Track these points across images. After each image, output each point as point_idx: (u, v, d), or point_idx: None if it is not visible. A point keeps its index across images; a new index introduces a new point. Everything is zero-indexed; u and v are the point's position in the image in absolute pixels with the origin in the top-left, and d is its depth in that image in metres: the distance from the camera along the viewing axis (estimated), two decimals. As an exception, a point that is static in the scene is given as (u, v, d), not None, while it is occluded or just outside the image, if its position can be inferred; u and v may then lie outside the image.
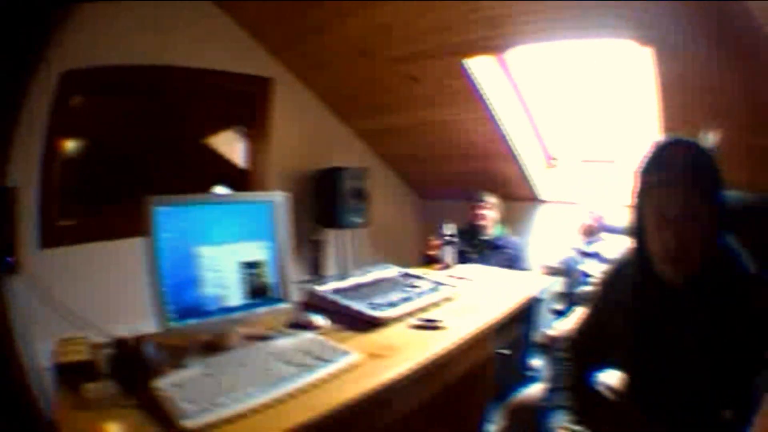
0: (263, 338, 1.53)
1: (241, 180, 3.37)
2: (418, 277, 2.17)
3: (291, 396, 1.19)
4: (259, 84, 3.32)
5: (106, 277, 2.72)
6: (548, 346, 2.51)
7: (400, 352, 1.45)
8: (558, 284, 2.97)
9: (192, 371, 1.27)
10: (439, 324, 1.68)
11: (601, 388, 1.49)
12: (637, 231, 1.27)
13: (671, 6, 2.04)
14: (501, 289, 2.30)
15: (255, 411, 1.12)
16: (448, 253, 2.74)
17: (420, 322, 1.70)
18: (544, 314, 3.14)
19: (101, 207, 2.88)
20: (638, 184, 1.23)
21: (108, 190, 2.91)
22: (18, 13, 1.95)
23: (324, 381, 1.27)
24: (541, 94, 3.40)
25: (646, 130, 2.87)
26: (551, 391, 1.48)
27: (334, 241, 3.59)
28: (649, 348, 1.29)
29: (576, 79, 3.28)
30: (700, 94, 2.35)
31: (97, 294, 2.62)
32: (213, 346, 1.49)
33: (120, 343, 1.38)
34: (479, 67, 3.02)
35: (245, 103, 3.31)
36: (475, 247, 3.25)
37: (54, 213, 2.65)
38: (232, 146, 3.31)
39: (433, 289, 2.01)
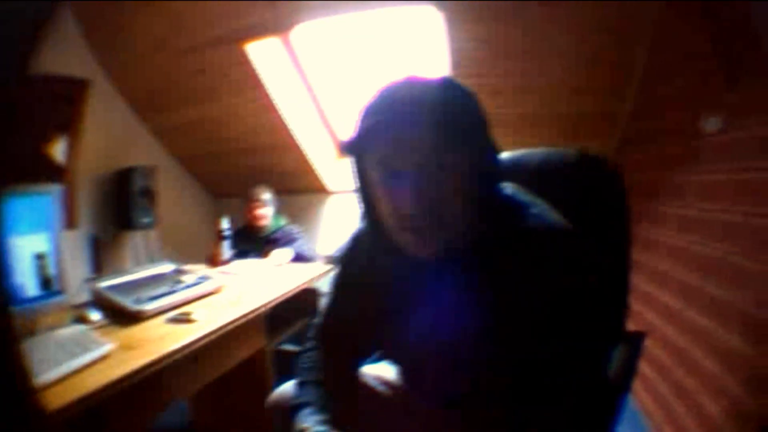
0: (50, 329, 1.55)
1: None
2: (186, 273, 2.16)
3: (59, 380, 1.23)
4: (75, 85, 2.97)
5: None
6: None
7: (150, 345, 1.48)
8: None
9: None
10: (191, 318, 1.69)
11: (370, 382, 1.24)
12: (364, 196, 0.95)
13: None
14: (271, 282, 2.28)
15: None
16: (224, 249, 2.73)
17: (175, 316, 1.71)
18: None
19: None
20: (358, 133, 0.87)
21: None
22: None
23: (81, 369, 1.30)
24: (329, 81, 3.32)
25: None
26: (300, 386, 1.15)
27: (130, 241, 3.38)
28: (415, 335, 1.00)
29: (366, 61, 3.23)
30: (493, 60, 2.43)
31: None
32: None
33: None
34: (263, 52, 2.89)
35: (64, 105, 2.95)
36: (253, 243, 3.08)
37: None
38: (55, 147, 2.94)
39: (197, 284, 2.01)
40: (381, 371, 1.26)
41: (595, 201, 1.09)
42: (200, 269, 2.39)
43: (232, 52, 2.80)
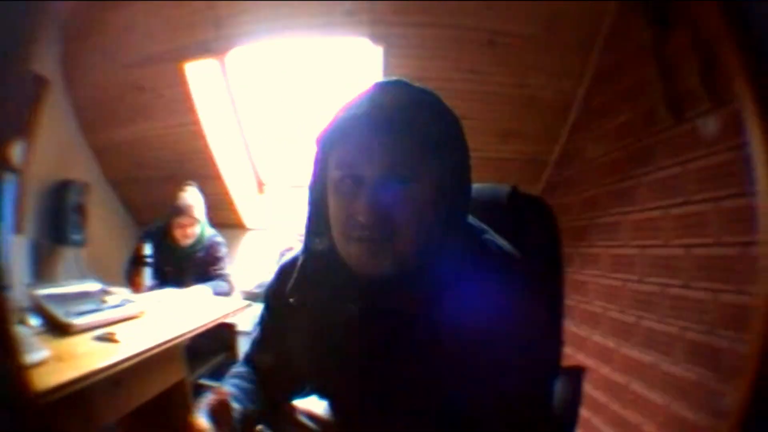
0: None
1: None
2: (112, 294, 2.09)
3: None
4: (36, 83, 2.71)
5: None
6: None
7: (78, 360, 1.43)
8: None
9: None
10: (114, 338, 1.64)
11: (301, 417, 1.11)
12: (317, 198, 0.86)
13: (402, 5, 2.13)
14: (191, 313, 2.17)
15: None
16: (145, 275, 2.51)
17: (101, 334, 1.67)
18: (246, 342, 2.90)
19: None
20: (328, 126, 0.80)
21: None
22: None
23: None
24: (257, 112, 3.24)
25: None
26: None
27: (62, 256, 3.11)
28: (348, 374, 0.89)
29: (297, 92, 3.19)
30: None
31: None
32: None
33: None
34: (199, 74, 2.79)
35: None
36: (173, 257, 2.78)
37: None
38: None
39: (121, 305, 1.96)
40: (310, 406, 1.11)
41: (528, 233, 1.07)
42: (123, 292, 2.27)
43: (169, 72, 2.68)
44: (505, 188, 1.11)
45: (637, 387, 1.90)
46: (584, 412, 2.22)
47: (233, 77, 2.99)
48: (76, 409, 1.35)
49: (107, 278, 2.62)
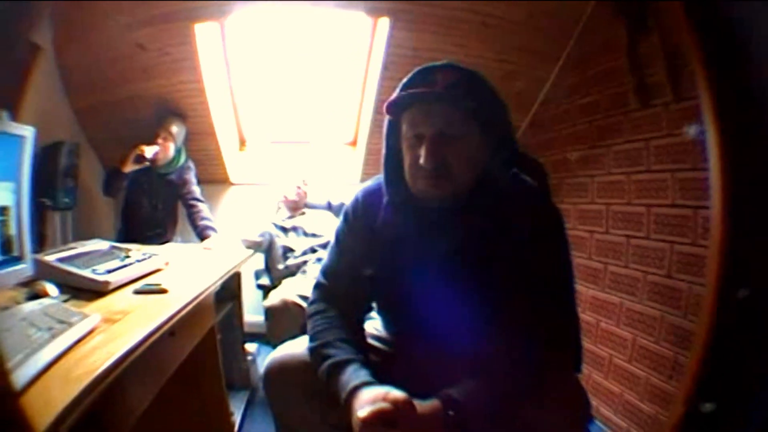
0: (5, 307, 1.19)
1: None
2: (128, 249, 1.95)
3: (51, 365, 0.90)
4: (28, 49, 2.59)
5: None
6: (273, 313, 2.40)
7: (133, 316, 1.27)
8: (260, 260, 2.87)
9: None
10: (162, 287, 1.55)
11: (369, 339, 1.28)
12: (390, 153, 1.15)
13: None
14: (207, 262, 2.20)
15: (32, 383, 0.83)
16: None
17: (144, 287, 1.55)
18: (245, 295, 3.02)
19: None
20: (395, 103, 1.07)
21: None
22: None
23: (74, 346, 1.00)
24: (246, 72, 3.23)
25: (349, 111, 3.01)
26: (328, 346, 1.11)
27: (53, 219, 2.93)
28: (410, 279, 1.13)
29: (290, 54, 3.22)
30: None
31: None
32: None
33: None
34: (205, 34, 2.75)
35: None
36: (147, 176, 2.88)
37: None
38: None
39: (146, 258, 1.86)
40: (371, 328, 1.33)
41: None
42: (136, 247, 2.17)
43: (177, 30, 2.62)
44: None
45: (605, 324, 2.19)
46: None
47: (230, 40, 2.98)
48: (142, 368, 1.14)
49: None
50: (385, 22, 2.57)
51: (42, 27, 2.62)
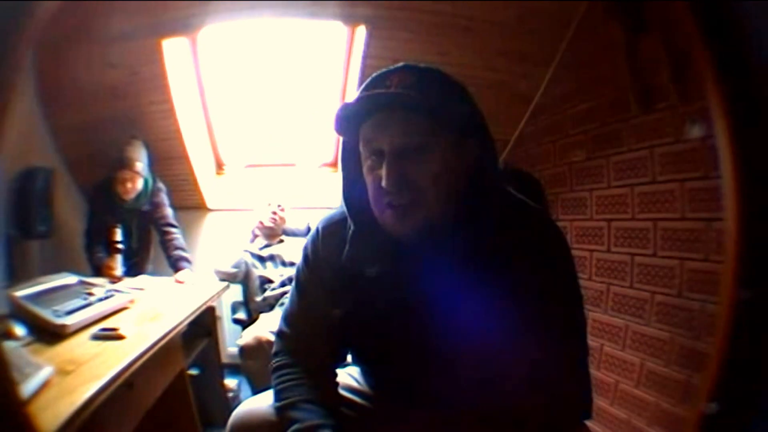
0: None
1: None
2: (94, 285, 1.92)
3: None
4: None
5: None
6: (246, 353, 2.25)
7: (86, 368, 1.21)
8: (236, 292, 2.72)
9: None
10: (119, 333, 1.46)
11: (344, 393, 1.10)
12: (351, 175, 0.96)
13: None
14: (178, 299, 2.11)
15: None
16: (118, 262, 2.44)
17: (100, 332, 1.48)
18: (226, 326, 2.87)
19: None
20: (344, 117, 0.89)
21: None
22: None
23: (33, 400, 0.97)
24: (221, 91, 3.13)
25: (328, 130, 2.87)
26: (294, 408, 0.95)
27: (29, 249, 2.81)
28: (388, 325, 0.94)
29: (263, 71, 3.11)
30: None
31: None
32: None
33: None
34: (173, 52, 2.66)
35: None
36: (117, 213, 2.69)
37: None
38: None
39: (109, 296, 1.81)
40: (346, 377, 1.14)
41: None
42: (102, 282, 2.12)
43: (145, 48, 2.53)
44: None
45: (609, 349, 2.04)
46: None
47: (202, 55, 2.88)
48: (97, 428, 1.11)
49: (73, 268, 2.45)
50: (362, 31, 2.46)
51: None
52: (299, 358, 1.02)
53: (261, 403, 1.03)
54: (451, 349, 0.87)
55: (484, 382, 0.86)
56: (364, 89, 0.87)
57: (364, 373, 1.13)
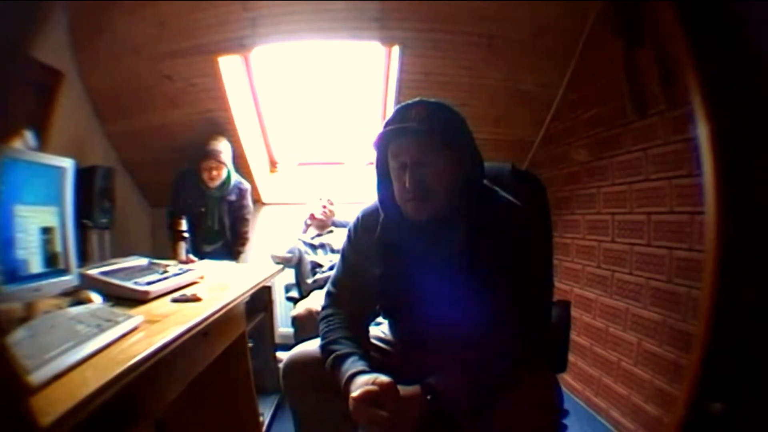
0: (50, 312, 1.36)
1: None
2: (165, 264, 2.11)
3: (97, 353, 1.08)
4: (52, 75, 2.80)
5: None
6: (299, 321, 2.56)
7: (170, 319, 1.43)
8: (290, 274, 3.03)
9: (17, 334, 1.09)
10: (197, 296, 1.69)
11: (373, 340, 1.45)
12: (383, 179, 1.31)
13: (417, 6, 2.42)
14: (240, 275, 2.33)
15: (75, 366, 1.00)
16: (182, 249, 2.63)
17: (180, 297, 1.70)
18: (280, 303, 3.18)
19: None
20: (381, 138, 1.25)
21: None
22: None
23: (118, 339, 1.18)
24: (273, 99, 3.45)
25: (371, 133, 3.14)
26: (334, 342, 1.29)
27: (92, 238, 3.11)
28: (407, 285, 1.29)
29: (312, 82, 3.45)
30: (430, 90, 2.71)
31: None
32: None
33: None
34: (230, 66, 2.96)
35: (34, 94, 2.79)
36: (204, 200, 3.09)
37: None
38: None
39: (182, 272, 2.01)
40: (377, 331, 1.50)
41: (525, 199, 1.42)
42: (172, 263, 2.32)
43: (203, 63, 2.84)
44: (506, 166, 1.53)
45: (613, 330, 2.26)
46: (570, 357, 2.60)
47: (256, 69, 3.19)
48: (176, 361, 1.31)
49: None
50: (396, 50, 2.74)
51: (60, 51, 2.82)
52: (341, 309, 1.38)
53: (309, 347, 1.39)
54: (451, 301, 1.22)
55: (469, 327, 1.18)
56: (391, 120, 1.24)
57: (390, 324, 1.49)
